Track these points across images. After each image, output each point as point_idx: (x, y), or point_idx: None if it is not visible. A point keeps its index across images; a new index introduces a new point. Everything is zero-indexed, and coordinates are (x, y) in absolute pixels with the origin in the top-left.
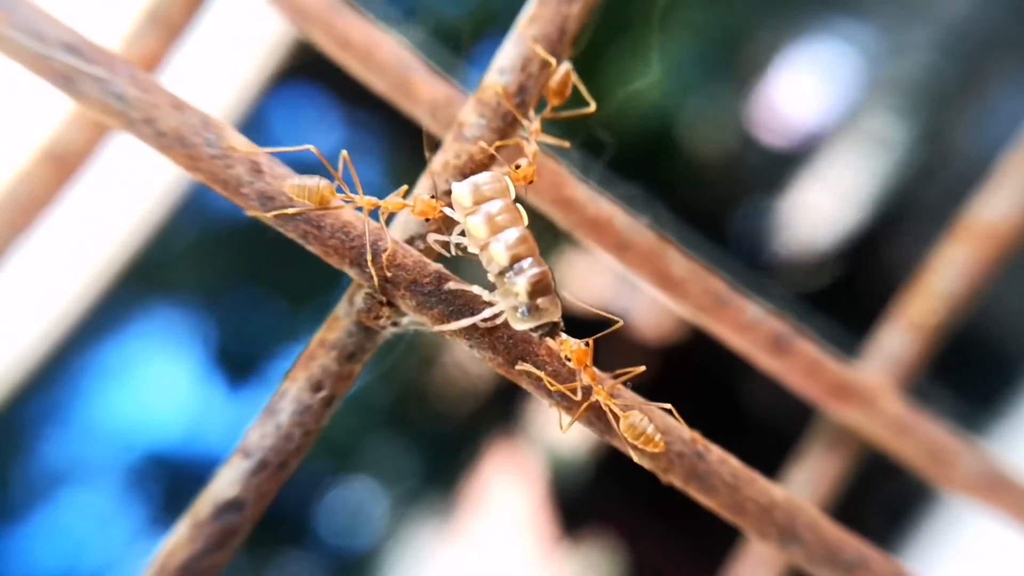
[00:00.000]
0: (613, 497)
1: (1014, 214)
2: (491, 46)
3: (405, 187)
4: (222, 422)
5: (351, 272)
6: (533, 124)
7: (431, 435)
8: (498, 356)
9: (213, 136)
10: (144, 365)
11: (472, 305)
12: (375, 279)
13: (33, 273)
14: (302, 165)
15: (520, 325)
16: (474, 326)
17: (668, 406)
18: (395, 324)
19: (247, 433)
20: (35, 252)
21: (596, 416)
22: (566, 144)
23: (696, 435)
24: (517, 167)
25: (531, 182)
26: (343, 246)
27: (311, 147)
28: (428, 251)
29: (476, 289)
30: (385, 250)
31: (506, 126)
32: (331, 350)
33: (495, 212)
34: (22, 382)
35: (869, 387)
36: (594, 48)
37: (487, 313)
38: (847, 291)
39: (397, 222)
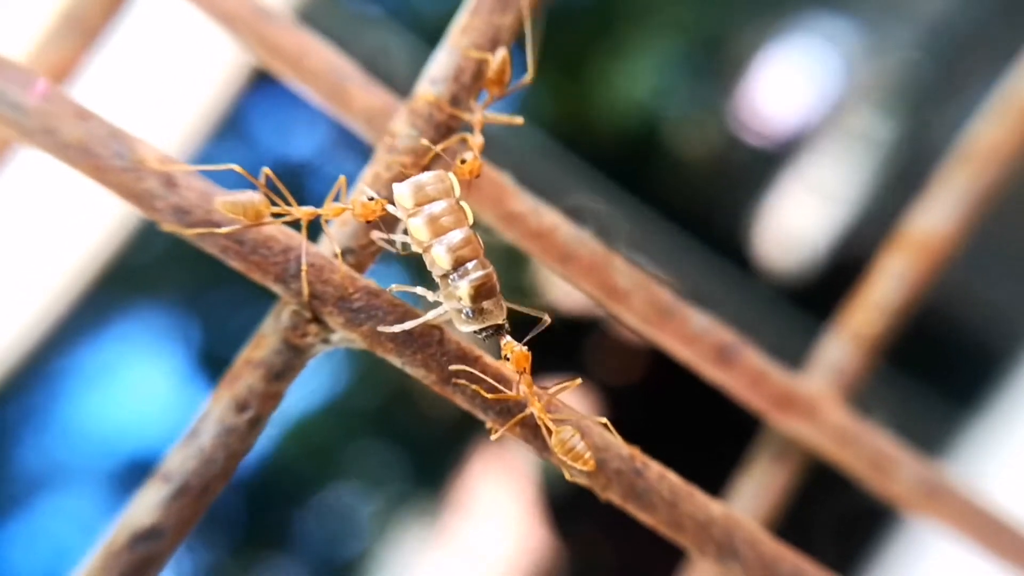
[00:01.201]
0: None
1: (950, 224)
2: None
3: (342, 178)
4: None
5: (276, 289)
6: (476, 115)
7: (418, 437)
8: (432, 374)
9: (123, 148)
10: (125, 368)
11: (405, 319)
12: (302, 295)
13: (10, 274)
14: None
15: (465, 327)
16: (405, 344)
17: (604, 420)
18: (325, 341)
19: (167, 456)
20: (13, 251)
21: (534, 434)
22: (518, 121)
23: (635, 451)
24: (463, 161)
25: (477, 176)
26: (266, 262)
27: (234, 166)
28: (371, 251)
29: (420, 290)
30: (312, 265)
31: (439, 137)
32: (257, 368)
33: (438, 213)
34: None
35: (813, 397)
36: (577, 48)
37: (432, 314)
38: (831, 288)
39: (325, 238)
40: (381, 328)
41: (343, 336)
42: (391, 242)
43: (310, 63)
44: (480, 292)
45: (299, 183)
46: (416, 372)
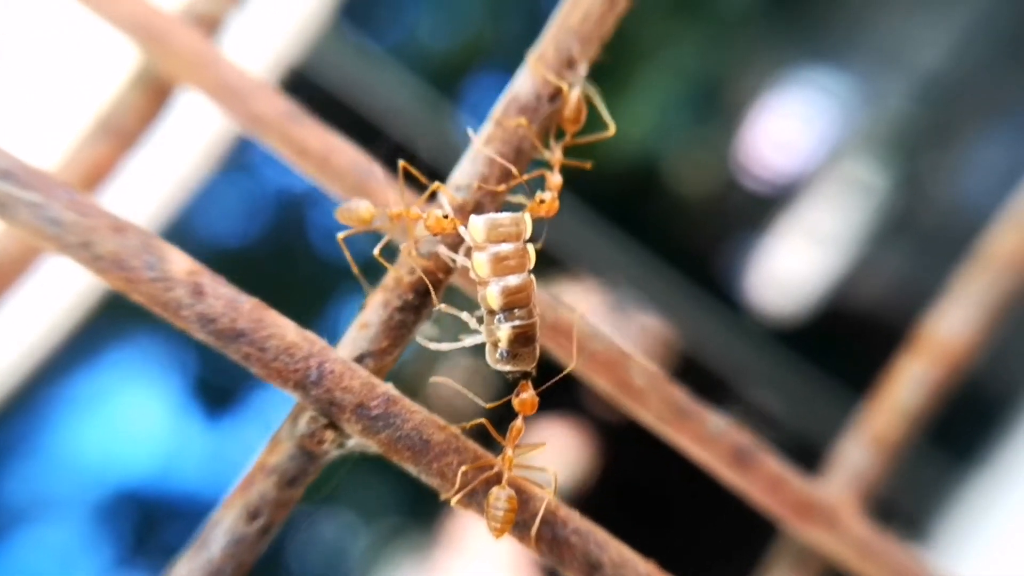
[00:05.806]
0: None
1: (970, 329)
2: (479, 81)
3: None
4: (199, 456)
5: (294, 395)
6: (555, 155)
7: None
8: (447, 483)
9: (154, 258)
10: (118, 395)
11: (424, 425)
12: (319, 403)
13: (8, 299)
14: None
15: (496, 365)
16: (421, 453)
17: (555, 472)
18: (340, 446)
19: (175, 567)
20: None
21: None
22: (587, 166)
23: (651, 567)
24: (541, 201)
25: (553, 215)
26: (287, 368)
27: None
28: (392, 356)
29: (465, 315)
30: (331, 372)
31: (459, 241)
32: (271, 475)
33: (503, 254)
34: None
35: (832, 505)
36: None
37: (469, 341)
38: (824, 332)
39: (345, 340)
40: (421, 340)
41: (359, 442)
42: (453, 260)
43: (336, 162)
44: (519, 338)
45: (301, 214)
46: (431, 481)
